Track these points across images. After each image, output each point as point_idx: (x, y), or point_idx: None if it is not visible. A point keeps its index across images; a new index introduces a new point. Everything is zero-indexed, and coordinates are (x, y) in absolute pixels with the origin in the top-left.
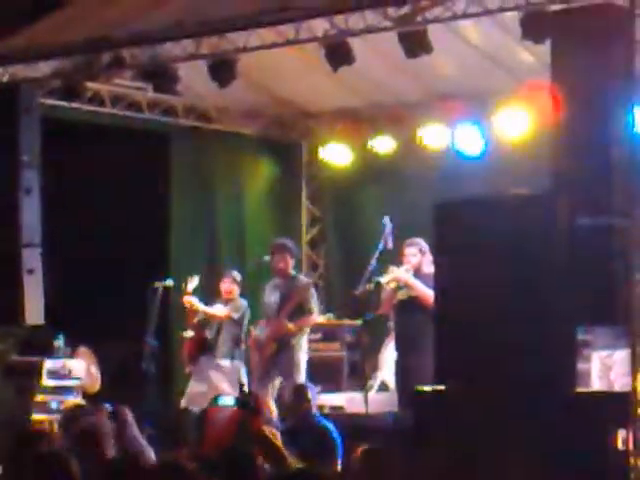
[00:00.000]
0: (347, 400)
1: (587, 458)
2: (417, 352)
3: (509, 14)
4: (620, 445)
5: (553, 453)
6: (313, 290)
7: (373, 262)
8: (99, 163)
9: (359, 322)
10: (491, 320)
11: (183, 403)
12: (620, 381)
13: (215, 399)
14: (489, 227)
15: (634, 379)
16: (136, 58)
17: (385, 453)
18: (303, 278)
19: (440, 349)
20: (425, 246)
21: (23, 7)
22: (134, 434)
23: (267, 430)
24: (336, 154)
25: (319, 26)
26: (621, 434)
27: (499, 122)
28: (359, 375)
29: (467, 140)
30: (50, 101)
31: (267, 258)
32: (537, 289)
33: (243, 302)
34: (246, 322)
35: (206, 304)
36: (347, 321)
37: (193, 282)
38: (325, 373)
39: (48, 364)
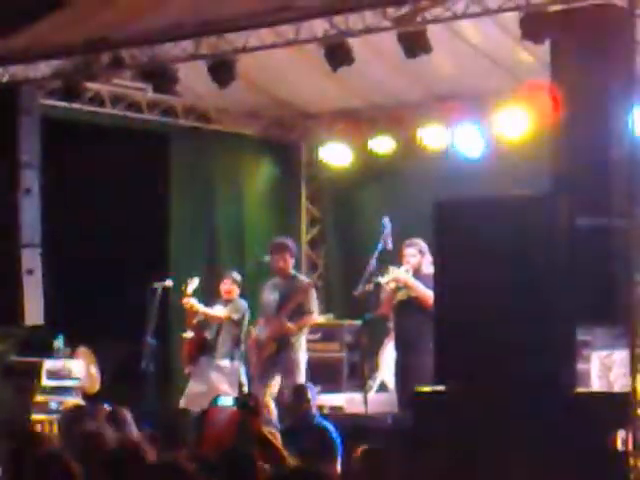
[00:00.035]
0: (347, 400)
1: (587, 458)
2: (417, 352)
3: (509, 14)
4: (619, 446)
5: (553, 453)
6: (313, 290)
7: (373, 262)
8: (99, 163)
9: (359, 322)
10: (491, 320)
11: (182, 403)
12: (620, 381)
13: (215, 400)
14: (489, 227)
15: (634, 379)
16: (136, 58)
17: (385, 453)
18: (303, 278)
19: (440, 349)
20: (424, 247)
21: (23, 7)
22: (133, 434)
23: (267, 430)
24: (336, 154)
25: (319, 26)
26: (620, 434)
27: (499, 122)
28: (359, 375)
29: (467, 140)
30: (50, 101)
31: (267, 258)
32: (537, 289)
33: (243, 303)
34: (246, 323)
35: (206, 305)
36: (347, 321)
37: (193, 284)
38: (325, 373)
39: (48, 364)
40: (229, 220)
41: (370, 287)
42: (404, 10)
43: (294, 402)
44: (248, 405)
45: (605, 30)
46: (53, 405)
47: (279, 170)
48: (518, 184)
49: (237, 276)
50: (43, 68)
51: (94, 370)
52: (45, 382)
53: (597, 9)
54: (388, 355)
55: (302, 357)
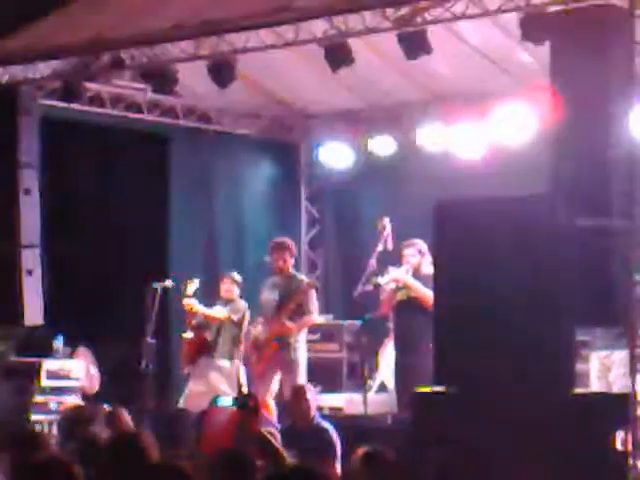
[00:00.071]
0: (346, 401)
1: (586, 459)
2: (416, 353)
3: (508, 15)
4: (619, 446)
5: (552, 454)
6: (313, 290)
7: (372, 263)
8: (99, 164)
9: (358, 323)
10: (490, 321)
11: (182, 404)
12: (619, 382)
13: (214, 400)
14: (489, 228)
15: (633, 380)
16: (135, 59)
17: (385, 455)
18: (303, 278)
19: (439, 350)
20: (424, 247)
21: (23, 8)
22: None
23: (266, 431)
24: (335, 155)
25: (319, 27)
26: (620, 435)
27: (498, 123)
28: (358, 376)
29: (466, 141)
30: (49, 102)
31: (267, 258)
32: (536, 290)
33: (243, 303)
34: (246, 323)
35: (206, 305)
36: (346, 322)
37: (193, 285)
38: (324, 374)
39: (47, 365)
40: (229, 220)
41: (370, 287)
42: (404, 11)
43: (294, 402)
44: (247, 405)
45: (605, 31)
46: (52, 405)
47: (279, 170)
48: (518, 184)
49: (237, 276)
50: (43, 68)
51: (94, 370)
52: (44, 382)
53: (597, 10)
54: (388, 355)
55: (302, 357)
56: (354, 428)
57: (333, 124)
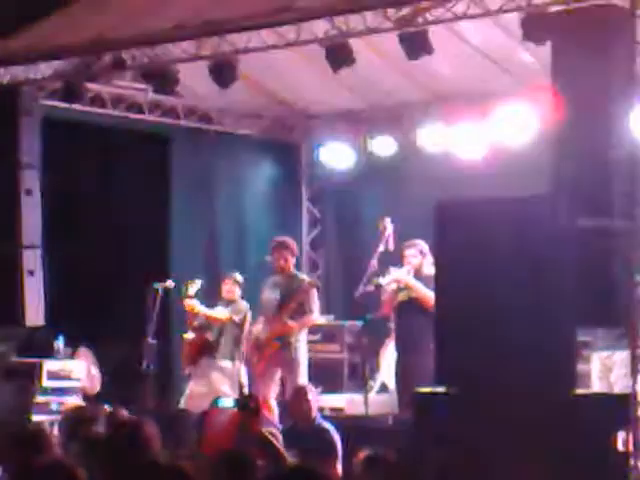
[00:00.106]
0: (347, 401)
1: (587, 459)
2: (417, 353)
3: (510, 15)
4: (620, 446)
5: (553, 454)
6: (314, 290)
7: (373, 263)
8: (100, 164)
9: (359, 323)
10: (491, 321)
11: (182, 404)
12: (620, 382)
13: (215, 401)
14: (490, 228)
15: (634, 380)
16: (136, 59)
17: (387, 458)
18: (304, 277)
19: (440, 350)
20: (425, 247)
21: (24, 8)
22: None
23: (267, 431)
24: (336, 155)
25: (320, 27)
26: (621, 435)
27: (499, 123)
28: (359, 376)
29: (467, 141)
30: (51, 102)
31: (268, 258)
32: (538, 290)
33: (244, 304)
34: (248, 324)
35: (207, 305)
36: (347, 322)
37: (195, 285)
38: (325, 374)
39: (48, 365)
40: (230, 220)
41: (371, 288)
42: (405, 11)
43: (295, 403)
44: (248, 406)
45: (606, 31)
46: (53, 406)
47: (280, 170)
48: (519, 185)
49: (238, 277)
50: (44, 69)
51: (95, 371)
52: (45, 383)
53: (598, 10)
54: (389, 356)
55: (303, 357)
56: (355, 429)
57: (334, 124)
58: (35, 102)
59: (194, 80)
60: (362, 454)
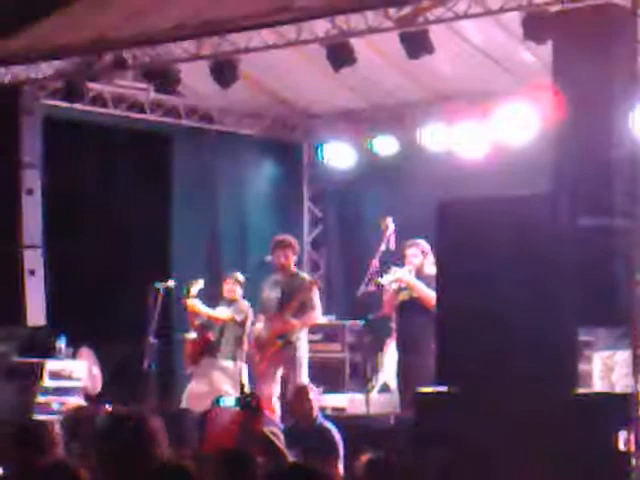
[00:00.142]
0: (349, 401)
1: (589, 459)
2: (419, 353)
3: (511, 14)
4: (622, 446)
5: (555, 454)
6: (316, 288)
7: (375, 263)
8: (101, 164)
9: (361, 323)
10: (493, 321)
11: (184, 404)
12: (622, 382)
13: (216, 400)
14: (491, 227)
15: (636, 380)
16: (138, 59)
17: (389, 461)
18: (305, 276)
19: (442, 350)
20: (427, 247)
21: (25, 7)
22: None
23: (269, 431)
24: (338, 155)
25: (320, 27)
26: (623, 435)
27: (501, 122)
28: (361, 376)
29: (469, 140)
30: (52, 102)
31: (269, 258)
32: (539, 290)
33: (246, 304)
34: (249, 324)
35: (208, 305)
36: (349, 322)
37: (197, 286)
38: (327, 374)
39: (49, 365)
40: (231, 220)
41: (372, 287)
42: (406, 10)
43: (296, 402)
44: (250, 405)
45: (607, 30)
46: (55, 406)
47: (281, 170)
48: (520, 183)
49: (239, 276)
50: (45, 68)
51: (96, 370)
52: (47, 383)
53: (599, 9)
54: (390, 356)
55: (304, 355)
56: (357, 428)
57: (335, 124)
58: (36, 101)
59: (195, 80)
60: (364, 457)
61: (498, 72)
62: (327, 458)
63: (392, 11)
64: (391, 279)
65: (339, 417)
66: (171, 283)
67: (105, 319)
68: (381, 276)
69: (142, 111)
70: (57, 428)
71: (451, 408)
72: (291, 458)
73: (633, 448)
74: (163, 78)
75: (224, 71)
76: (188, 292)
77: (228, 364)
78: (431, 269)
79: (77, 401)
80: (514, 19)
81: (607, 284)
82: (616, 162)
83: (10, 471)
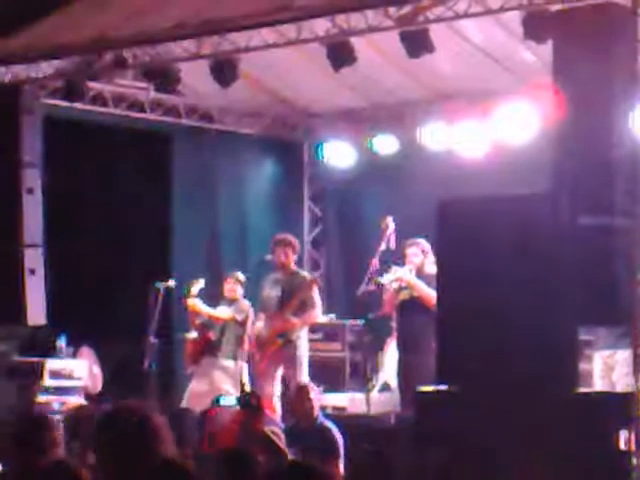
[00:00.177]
0: (349, 400)
1: (589, 458)
2: (419, 352)
3: (511, 13)
4: (622, 446)
5: (555, 453)
6: (316, 286)
7: (375, 262)
8: (101, 163)
9: (361, 322)
10: (493, 320)
11: (184, 403)
12: (622, 381)
13: (217, 399)
14: (492, 226)
15: (636, 379)
16: (138, 58)
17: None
18: (305, 274)
19: (442, 349)
20: (427, 246)
21: (25, 6)
22: None
23: (269, 430)
24: (338, 154)
25: (321, 26)
26: (623, 434)
27: (501, 121)
28: (361, 375)
29: (469, 139)
30: (52, 101)
31: (269, 257)
32: (539, 288)
33: (247, 303)
34: (250, 323)
35: (209, 304)
36: (349, 321)
37: (198, 285)
38: (327, 373)
39: (50, 364)
40: (231, 219)
41: (372, 287)
42: (406, 9)
43: (297, 402)
44: (250, 404)
45: (607, 29)
46: (55, 405)
47: (281, 169)
48: (520, 183)
49: (240, 276)
50: (45, 68)
51: (96, 370)
52: (47, 382)
53: (600, 8)
54: (391, 355)
55: (305, 354)
56: (357, 427)
57: (336, 123)
58: (36, 101)
59: (195, 79)
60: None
61: (498, 71)
62: (327, 457)
63: (392, 10)
64: (391, 278)
65: (339, 416)
66: (171, 282)
67: (105, 318)
68: (381, 275)
69: (142, 110)
70: (59, 427)
71: (451, 407)
72: (291, 457)
73: (633, 447)
74: (163, 77)
75: (224, 70)
76: (189, 292)
77: (229, 364)
78: (431, 268)
79: (77, 400)
80: (514, 18)
81: (607, 283)
82: (616, 161)
83: (10, 469)
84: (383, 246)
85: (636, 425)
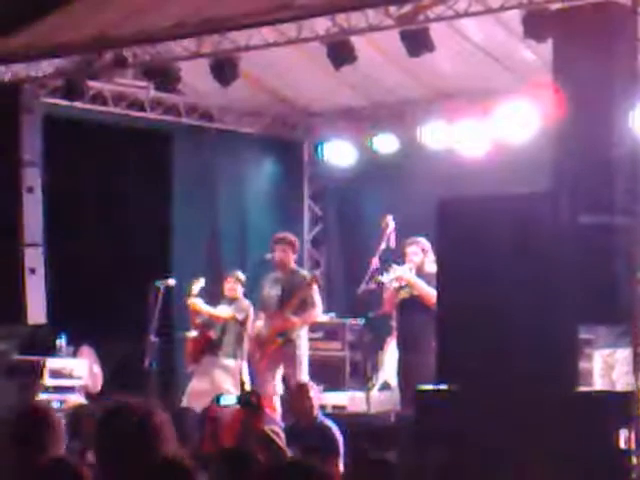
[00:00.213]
0: (349, 399)
1: (589, 457)
2: (419, 351)
3: (511, 12)
4: (622, 444)
5: (555, 452)
6: (316, 285)
7: (375, 261)
8: (101, 162)
9: (361, 321)
10: (493, 319)
11: (185, 402)
12: (622, 380)
13: (217, 398)
14: (492, 225)
15: (636, 378)
16: (138, 57)
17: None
18: (306, 273)
19: (442, 348)
20: (427, 245)
21: (25, 6)
22: None
23: (269, 429)
24: (338, 153)
25: (321, 25)
26: (623, 433)
27: (501, 120)
28: (361, 374)
29: (469, 138)
30: (52, 100)
31: (269, 256)
32: (539, 287)
33: (247, 302)
34: (250, 322)
35: (209, 304)
36: (349, 320)
37: (199, 284)
38: (327, 372)
39: (50, 363)
40: (231, 218)
41: (373, 286)
42: (406, 8)
43: (297, 400)
44: (250, 402)
45: (608, 28)
46: (56, 404)
47: (281, 168)
48: (521, 182)
49: (240, 275)
50: (45, 67)
51: (97, 369)
52: (48, 381)
53: (600, 7)
54: (391, 354)
55: (305, 353)
56: (357, 426)
57: (336, 122)
58: (36, 100)
59: (195, 78)
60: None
61: (498, 70)
62: (327, 456)
63: (393, 9)
64: (391, 277)
65: (339, 415)
66: (172, 281)
67: (106, 317)
68: (381, 274)
69: (142, 109)
70: (61, 423)
71: (451, 406)
72: (291, 456)
73: (633, 446)
74: (163, 76)
75: (224, 69)
76: (189, 291)
77: (229, 362)
78: (431, 267)
79: (78, 400)
80: (514, 17)
81: (607, 282)
82: (616, 160)
83: (5, 465)
84: (383, 245)
85: (636, 424)
